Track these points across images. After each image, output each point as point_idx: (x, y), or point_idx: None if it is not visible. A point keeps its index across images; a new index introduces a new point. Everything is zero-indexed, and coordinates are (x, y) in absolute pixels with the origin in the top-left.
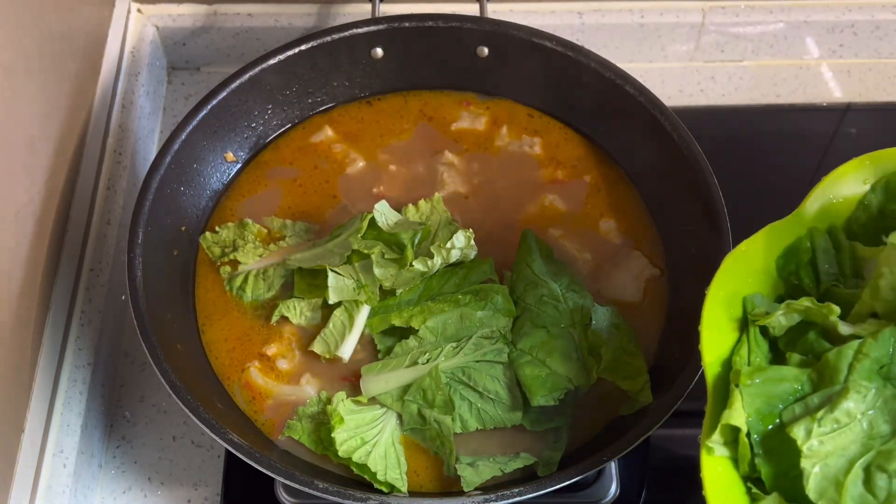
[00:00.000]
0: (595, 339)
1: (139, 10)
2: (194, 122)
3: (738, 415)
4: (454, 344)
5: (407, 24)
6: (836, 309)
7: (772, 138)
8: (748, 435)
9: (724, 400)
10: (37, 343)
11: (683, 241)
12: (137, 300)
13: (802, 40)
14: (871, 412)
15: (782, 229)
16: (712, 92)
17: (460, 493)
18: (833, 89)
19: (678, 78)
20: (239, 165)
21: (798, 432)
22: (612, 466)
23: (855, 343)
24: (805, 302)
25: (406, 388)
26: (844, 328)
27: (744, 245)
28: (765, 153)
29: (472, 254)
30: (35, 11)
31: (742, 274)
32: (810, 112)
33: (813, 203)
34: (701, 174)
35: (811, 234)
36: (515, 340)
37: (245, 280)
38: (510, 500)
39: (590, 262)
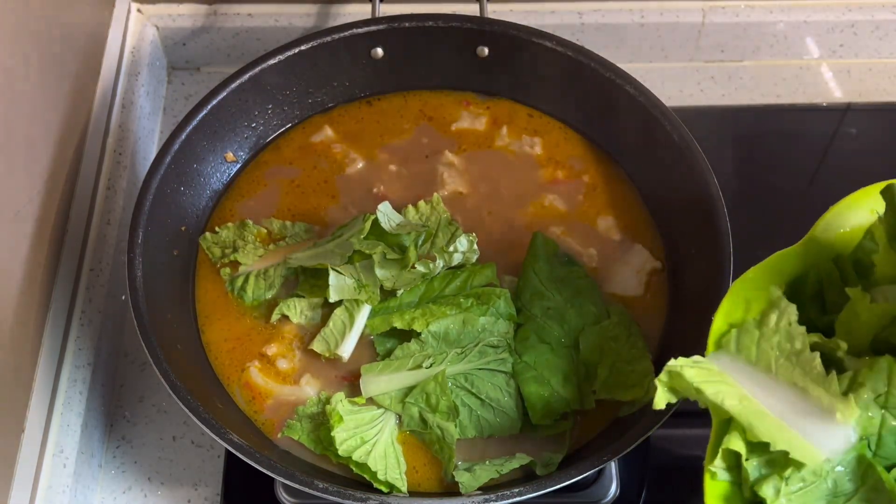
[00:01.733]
0: (588, 359)
1: (139, 11)
2: (194, 122)
3: (738, 440)
4: (459, 350)
5: (407, 24)
6: (844, 345)
7: (772, 138)
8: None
9: (727, 424)
10: (37, 343)
11: (684, 241)
12: (137, 300)
13: (802, 40)
14: (838, 469)
15: (790, 257)
16: (712, 92)
17: (460, 493)
18: (833, 89)
19: (678, 78)
20: (239, 165)
21: (767, 491)
22: (612, 466)
23: (851, 373)
24: (813, 337)
25: (407, 391)
26: (850, 363)
27: (751, 272)
28: (765, 153)
29: (475, 257)
30: (35, 11)
31: (749, 301)
32: (810, 112)
33: (821, 232)
34: (701, 174)
35: (818, 264)
36: (520, 351)
37: (246, 281)
38: (510, 500)
39: (595, 258)
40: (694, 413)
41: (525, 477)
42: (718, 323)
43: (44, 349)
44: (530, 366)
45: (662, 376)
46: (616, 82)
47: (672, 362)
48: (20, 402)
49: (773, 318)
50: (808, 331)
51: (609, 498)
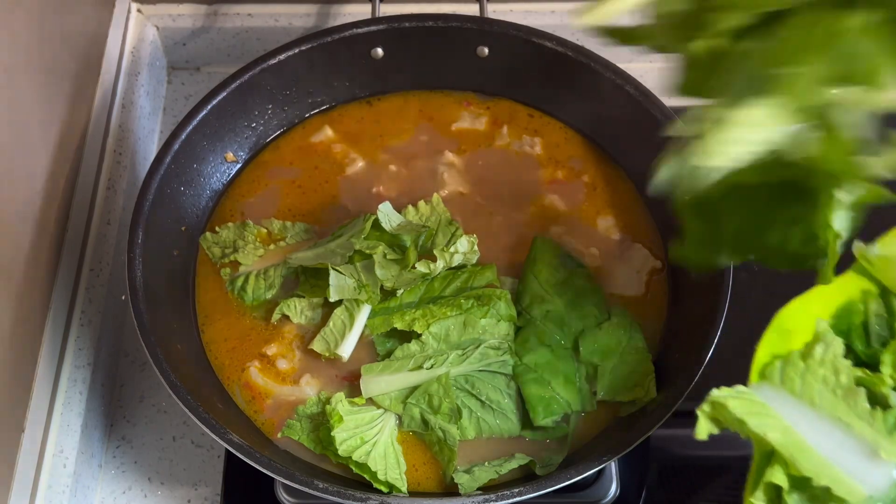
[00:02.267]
0: (588, 361)
1: (139, 11)
2: (194, 122)
3: (780, 473)
4: (460, 351)
5: (407, 24)
6: (889, 381)
7: None
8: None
9: (769, 456)
10: (37, 343)
11: None
12: (137, 300)
13: None
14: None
15: (835, 289)
16: None
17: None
18: None
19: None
20: (239, 165)
21: None
22: (612, 466)
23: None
24: (858, 372)
25: (407, 392)
26: (895, 399)
27: (795, 302)
28: None
29: (475, 258)
30: (35, 11)
31: (793, 332)
32: None
33: (866, 265)
34: None
35: (864, 296)
36: (520, 353)
37: (246, 281)
38: (510, 500)
39: (597, 258)
40: (694, 413)
41: (525, 477)
42: (762, 353)
43: (44, 349)
44: (531, 368)
45: (705, 406)
46: (616, 82)
47: (715, 392)
48: (20, 402)
49: (819, 350)
50: (853, 364)
51: (609, 498)
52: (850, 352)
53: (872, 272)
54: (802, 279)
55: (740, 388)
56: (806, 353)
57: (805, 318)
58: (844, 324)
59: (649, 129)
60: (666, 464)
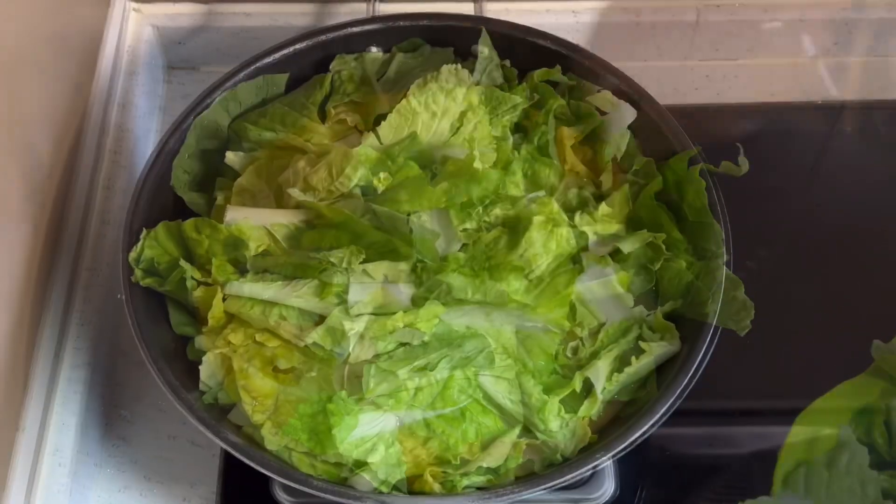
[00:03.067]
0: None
1: (137, 10)
2: (191, 121)
3: None
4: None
5: (402, 24)
6: None
7: (767, 137)
8: None
9: None
10: (35, 343)
11: None
12: (134, 299)
13: (797, 38)
14: None
15: (855, 388)
16: (707, 90)
17: (459, 493)
18: (828, 87)
19: (673, 77)
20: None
21: None
22: (610, 465)
23: None
24: (884, 482)
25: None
26: None
27: (818, 402)
28: (760, 152)
29: None
30: (33, 11)
31: (816, 435)
32: (805, 111)
33: (886, 362)
34: None
35: (884, 394)
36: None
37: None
38: (508, 498)
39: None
40: (693, 413)
41: (523, 476)
42: (785, 459)
43: (42, 349)
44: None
45: None
46: (611, 81)
47: None
48: (18, 402)
49: (844, 459)
50: (877, 465)
51: (607, 497)
52: (872, 451)
53: (891, 371)
54: (798, 278)
55: (764, 499)
56: (830, 461)
57: (829, 418)
58: (866, 422)
59: (645, 128)
60: (665, 463)
